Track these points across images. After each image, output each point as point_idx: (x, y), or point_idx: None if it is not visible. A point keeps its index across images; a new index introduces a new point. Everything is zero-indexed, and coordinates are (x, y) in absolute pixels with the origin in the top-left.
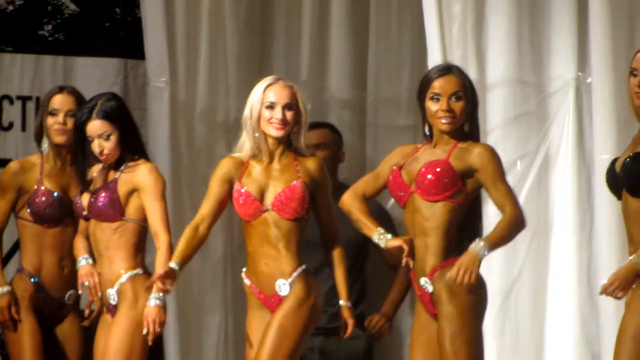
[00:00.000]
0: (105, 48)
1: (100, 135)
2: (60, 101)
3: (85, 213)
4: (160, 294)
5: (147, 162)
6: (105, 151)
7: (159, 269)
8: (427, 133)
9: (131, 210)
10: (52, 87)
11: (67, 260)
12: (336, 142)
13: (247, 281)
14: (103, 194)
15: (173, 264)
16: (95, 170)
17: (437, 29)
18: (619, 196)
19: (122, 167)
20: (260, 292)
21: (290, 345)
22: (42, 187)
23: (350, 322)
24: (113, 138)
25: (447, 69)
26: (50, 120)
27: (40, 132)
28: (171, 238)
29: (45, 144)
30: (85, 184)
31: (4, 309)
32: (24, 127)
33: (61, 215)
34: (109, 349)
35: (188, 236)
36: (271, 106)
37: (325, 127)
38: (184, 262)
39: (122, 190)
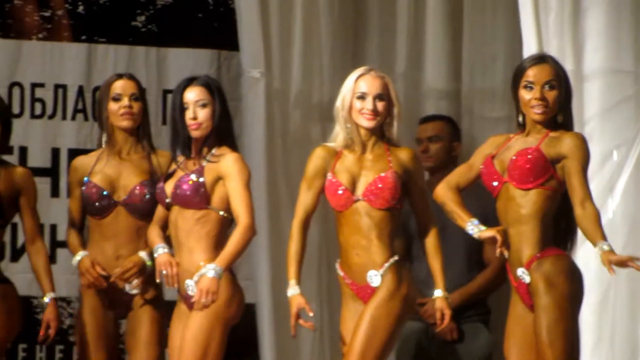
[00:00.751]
0: (198, 39)
1: (197, 101)
2: (122, 86)
3: (168, 200)
4: (218, 267)
5: (233, 152)
6: (199, 119)
7: (230, 245)
8: (520, 122)
9: (216, 200)
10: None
11: (123, 249)
12: (451, 134)
13: (340, 272)
14: (189, 180)
15: (295, 290)
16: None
17: (533, 20)
18: None
19: (207, 156)
20: (352, 283)
21: (383, 337)
22: (90, 182)
23: (447, 313)
24: (209, 108)
25: (541, 58)
26: (114, 106)
27: (102, 123)
28: (253, 222)
29: (104, 137)
30: (168, 172)
31: (90, 268)
32: None
33: (108, 207)
34: (186, 339)
35: (295, 241)
36: (362, 97)
37: (440, 120)
38: (299, 276)
39: (208, 178)
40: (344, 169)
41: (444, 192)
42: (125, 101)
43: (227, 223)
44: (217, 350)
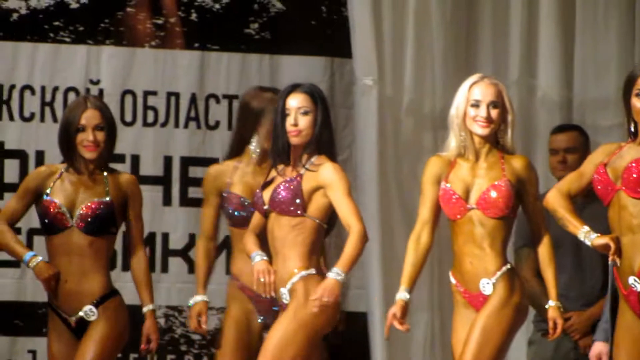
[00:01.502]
0: (311, 46)
1: (299, 108)
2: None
3: (266, 207)
4: (341, 271)
5: (331, 162)
6: (300, 126)
7: (348, 251)
8: (632, 130)
9: (313, 208)
10: (256, 85)
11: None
12: (584, 144)
13: (453, 280)
14: (287, 187)
15: (402, 295)
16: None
17: None
18: None
19: (306, 165)
20: (465, 291)
21: (495, 345)
22: (232, 192)
23: (560, 323)
24: (310, 116)
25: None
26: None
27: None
28: (365, 229)
29: (253, 145)
30: (266, 180)
31: (192, 318)
32: (229, 126)
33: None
34: (269, 339)
35: (412, 253)
36: (476, 104)
37: (575, 130)
38: (413, 284)
39: (306, 186)
40: (458, 177)
41: (555, 199)
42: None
43: (322, 232)
44: (296, 356)
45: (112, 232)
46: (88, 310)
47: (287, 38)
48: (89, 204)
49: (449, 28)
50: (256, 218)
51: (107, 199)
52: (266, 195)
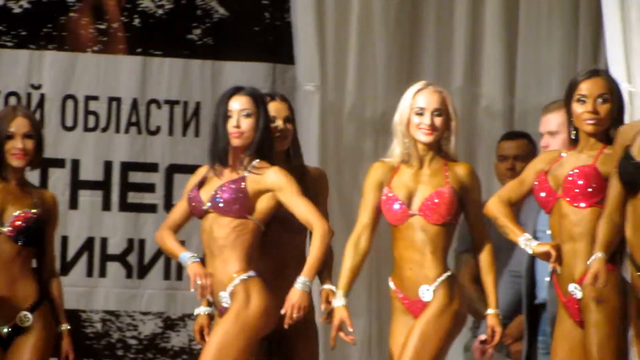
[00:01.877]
0: (254, 52)
1: (242, 110)
2: (275, 109)
3: (205, 207)
4: (307, 280)
5: (273, 166)
6: (243, 128)
7: (312, 258)
8: (573, 138)
9: (256, 211)
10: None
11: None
12: (533, 152)
13: (392, 286)
14: (231, 188)
15: (341, 301)
16: (203, 171)
17: (620, 36)
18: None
19: (249, 167)
20: (404, 297)
21: (432, 352)
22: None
23: (498, 330)
24: (252, 119)
25: (594, 72)
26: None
27: None
28: (327, 223)
29: None
30: (201, 181)
31: (195, 332)
32: (171, 132)
33: None
34: (209, 342)
35: (350, 256)
36: (420, 112)
37: (524, 138)
38: (349, 290)
39: (251, 188)
40: (401, 183)
41: (495, 206)
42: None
43: (260, 235)
44: (238, 358)
45: (39, 242)
46: (23, 316)
47: (229, 44)
48: (21, 214)
49: (393, 35)
50: (177, 215)
51: (36, 210)
52: (205, 194)
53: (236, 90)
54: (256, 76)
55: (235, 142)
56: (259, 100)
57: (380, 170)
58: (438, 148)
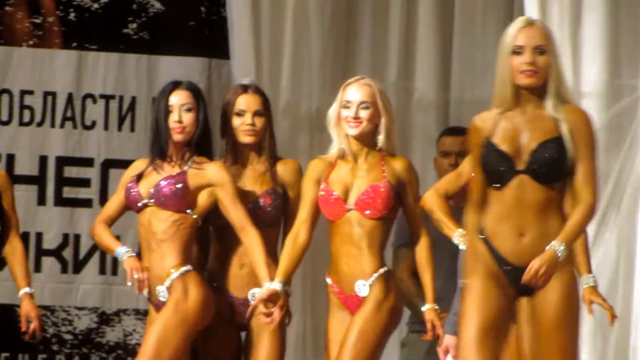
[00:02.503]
0: (190, 47)
1: (183, 105)
2: (246, 102)
3: (146, 201)
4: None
5: (214, 161)
6: (184, 122)
7: (258, 267)
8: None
9: (194, 206)
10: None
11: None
12: None
13: (328, 281)
14: (172, 182)
15: (276, 285)
16: (140, 165)
17: None
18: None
19: (189, 161)
20: (340, 292)
21: (370, 348)
22: None
23: (438, 324)
24: (193, 113)
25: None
26: (236, 121)
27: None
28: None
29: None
30: (139, 175)
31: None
32: (106, 126)
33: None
34: (149, 336)
35: (289, 248)
36: (347, 105)
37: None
38: (288, 279)
39: (192, 182)
40: (337, 178)
41: (432, 200)
42: (248, 118)
43: (197, 230)
44: (177, 350)
45: None
46: None
47: (165, 38)
48: None
49: (328, 31)
50: (111, 209)
51: None
52: (144, 188)
53: (176, 85)
54: (192, 71)
55: (177, 137)
56: (198, 95)
57: (317, 166)
58: (373, 142)
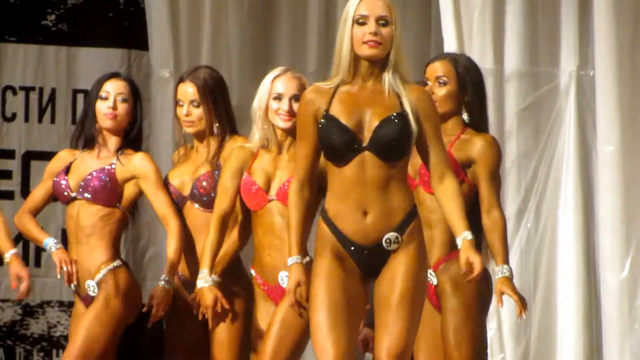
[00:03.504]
0: (109, 38)
1: (119, 94)
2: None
3: (75, 194)
4: (168, 277)
5: (141, 151)
6: (118, 110)
7: (171, 253)
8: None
9: (124, 199)
10: (54, 77)
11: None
12: None
13: (252, 272)
14: (100, 176)
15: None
16: (66, 155)
17: (453, 18)
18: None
19: (118, 153)
20: (264, 283)
21: (294, 338)
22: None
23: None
24: (128, 104)
25: (440, 56)
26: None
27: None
28: (180, 220)
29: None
30: (67, 166)
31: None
32: (27, 118)
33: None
34: (79, 330)
35: (213, 236)
36: (278, 97)
37: None
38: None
39: (120, 176)
40: (259, 168)
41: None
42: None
43: (127, 221)
44: (107, 344)
45: None
46: None
47: (84, 30)
48: None
49: (247, 21)
50: (36, 199)
51: None
52: (73, 181)
53: (114, 75)
54: (111, 62)
55: (107, 123)
56: (135, 89)
57: (239, 155)
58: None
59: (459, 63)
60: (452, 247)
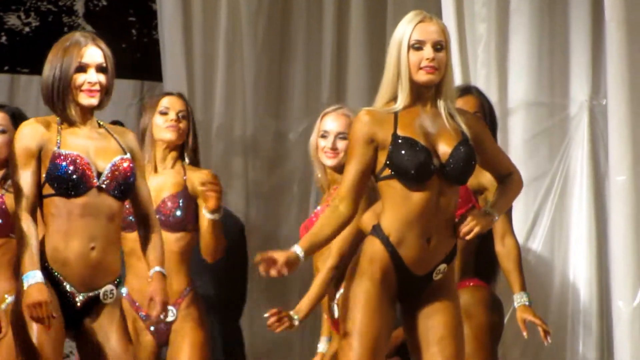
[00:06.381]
0: (122, 70)
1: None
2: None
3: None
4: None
5: None
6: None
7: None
8: None
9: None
10: None
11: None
12: None
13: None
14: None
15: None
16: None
17: (458, 51)
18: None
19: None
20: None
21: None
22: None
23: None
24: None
25: (466, 90)
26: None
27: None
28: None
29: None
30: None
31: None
32: None
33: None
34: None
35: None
36: (324, 135)
37: None
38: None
39: (10, 203)
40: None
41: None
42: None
43: None
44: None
45: None
46: None
47: None
48: None
49: (261, 52)
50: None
51: None
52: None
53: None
54: (124, 93)
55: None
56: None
57: None
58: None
59: (482, 95)
60: (463, 274)
